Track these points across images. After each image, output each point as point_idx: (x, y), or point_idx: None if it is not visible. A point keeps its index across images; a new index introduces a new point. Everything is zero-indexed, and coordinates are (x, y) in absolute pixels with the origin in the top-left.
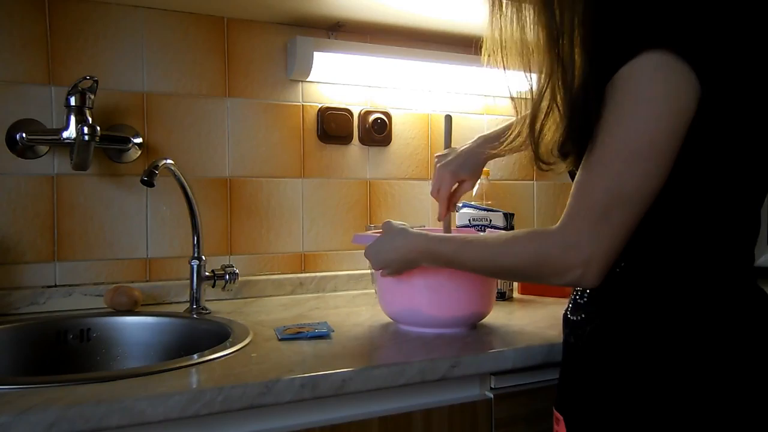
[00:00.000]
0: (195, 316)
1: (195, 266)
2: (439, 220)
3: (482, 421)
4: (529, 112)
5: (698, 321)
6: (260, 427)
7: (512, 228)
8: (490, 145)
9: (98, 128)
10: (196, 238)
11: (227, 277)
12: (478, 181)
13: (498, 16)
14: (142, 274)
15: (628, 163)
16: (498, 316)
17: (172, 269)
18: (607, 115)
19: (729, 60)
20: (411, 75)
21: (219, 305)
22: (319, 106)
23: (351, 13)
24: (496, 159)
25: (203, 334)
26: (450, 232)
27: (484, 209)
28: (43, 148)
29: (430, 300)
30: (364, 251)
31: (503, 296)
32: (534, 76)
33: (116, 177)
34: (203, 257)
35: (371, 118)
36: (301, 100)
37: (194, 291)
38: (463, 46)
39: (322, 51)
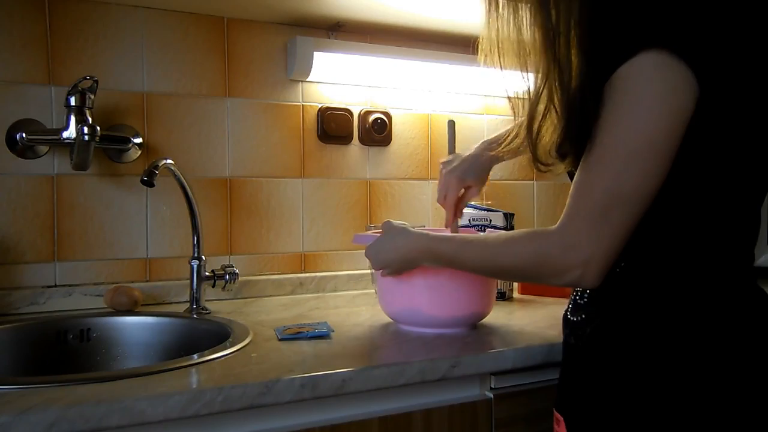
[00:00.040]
0: (195, 316)
1: (195, 266)
2: (446, 227)
3: (482, 421)
4: (526, 113)
5: (698, 321)
6: (260, 427)
7: (512, 228)
8: (490, 149)
9: (98, 128)
10: (196, 238)
11: (227, 277)
12: None
13: (494, 16)
14: (142, 274)
15: (627, 162)
16: (498, 316)
17: (172, 269)
18: (605, 115)
19: (727, 59)
20: (411, 75)
21: (219, 305)
22: (319, 106)
23: (351, 13)
24: None
25: (203, 334)
26: None
27: (484, 209)
28: (43, 148)
29: (431, 300)
30: (364, 251)
31: (503, 296)
32: (531, 77)
33: (116, 177)
34: (203, 257)
35: (371, 118)
36: (301, 100)
37: (194, 291)
38: (463, 46)
39: (322, 51)
